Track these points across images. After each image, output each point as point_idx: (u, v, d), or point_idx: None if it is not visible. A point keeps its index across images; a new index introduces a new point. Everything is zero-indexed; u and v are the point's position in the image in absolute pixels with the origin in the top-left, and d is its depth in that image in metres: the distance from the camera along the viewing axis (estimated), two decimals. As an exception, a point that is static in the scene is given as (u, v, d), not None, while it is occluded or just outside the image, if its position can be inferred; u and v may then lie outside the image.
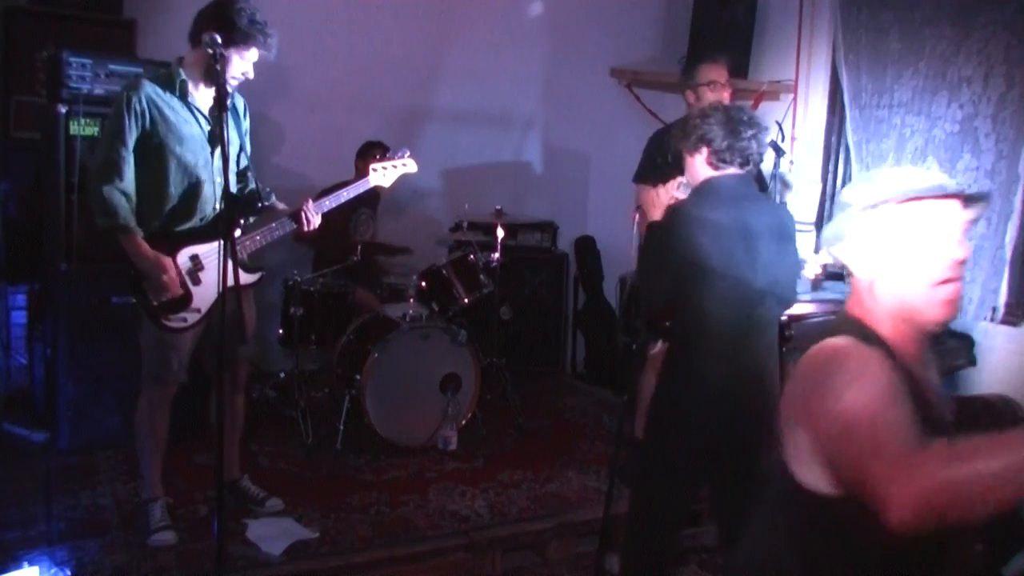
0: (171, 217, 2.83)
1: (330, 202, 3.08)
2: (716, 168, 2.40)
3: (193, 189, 2.83)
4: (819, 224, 4.43)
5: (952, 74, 3.68)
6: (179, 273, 2.80)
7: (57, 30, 3.86)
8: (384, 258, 4.82)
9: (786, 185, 4.31)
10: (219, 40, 2.50)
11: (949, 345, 3.48)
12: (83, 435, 3.61)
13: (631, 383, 2.69)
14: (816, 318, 3.38)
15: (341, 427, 3.82)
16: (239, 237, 2.89)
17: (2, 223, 3.75)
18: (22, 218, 3.85)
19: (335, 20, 4.85)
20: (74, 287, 3.53)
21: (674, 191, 3.19)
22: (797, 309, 3.27)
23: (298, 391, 4.00)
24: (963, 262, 1.39)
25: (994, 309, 3.55)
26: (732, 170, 2.39)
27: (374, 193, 4.32)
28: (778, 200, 3.96)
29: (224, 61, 2.60)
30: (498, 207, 4.45)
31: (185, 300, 2.82)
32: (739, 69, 4.63)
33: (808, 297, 3.53)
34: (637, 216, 3.70)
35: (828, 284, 3.81)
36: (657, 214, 3.07)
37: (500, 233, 4.33)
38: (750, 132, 2.37)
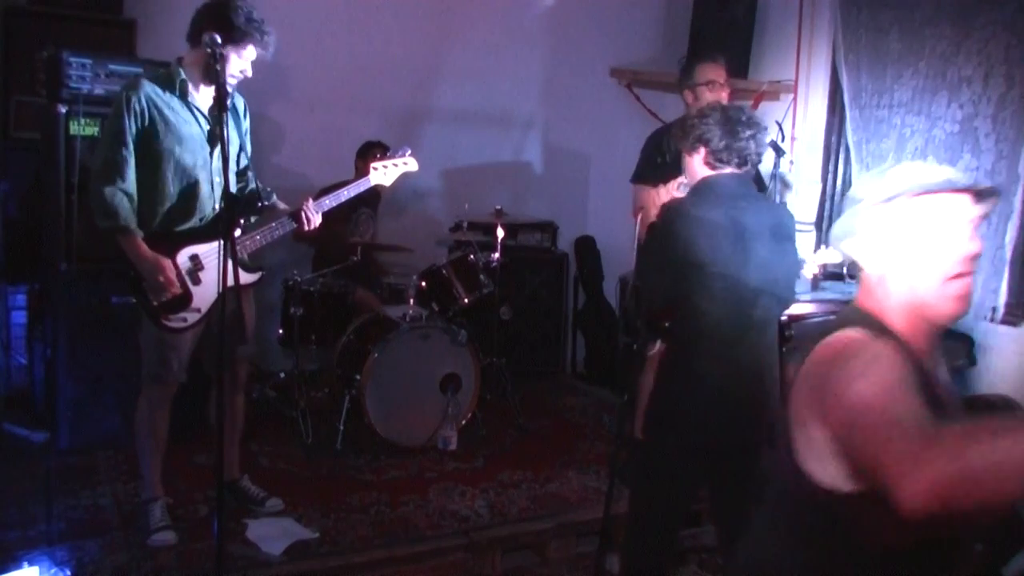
0: (170, 217, 2.83)
1: (330, 201, 3.08)
2: (713, 168, 2.40)
3: (191, 189, 2.83)
4: (819, 224, 4.43)
5: (952, 74, 3.68)
6: (179, 273, 2.80)
7: (57, 30, 3.86)
8: (384, 258, 4.82)
9: (786, 185, 4.31)
10: (219, 40, 2.50)
11: (949, 345, 3.48)
12: (83, 435, 3.61)
13: (631, 383, 2.68)
14: (816, 318, 3.38)
15: (341, 427, 3.82)
16: (239, 237, 2.89)
17: (2, 223, 3.75)
18: (22, 218, 3.85)
19: (335, 20, 4.86)
20: (74, 287, 3.53)
21: (674, 191, 3.19)
22: (797, 309, 3.27)
23: (298, 391, 4.00)
24: (975, 257, 1.39)
25: (994, 309, 3.56)
26: (729, 170, 2.39)
27: (375, 193, 4.32)
28: (778, 200, 3.95)
29: (223, 60, 2.60)
30: (498, 207, 4.45)
31: (185, 300, 2.82)
32: (739, 69, 4.63)
33: (808, 297, 3.54)
34: (640, 216, 3.70)
35: (827, 284, 3.81)
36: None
37: (500, 233, 4.33)
38: (748, 132, 2.37)
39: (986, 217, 1.45)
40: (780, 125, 4.15)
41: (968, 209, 1.40)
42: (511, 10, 5.31)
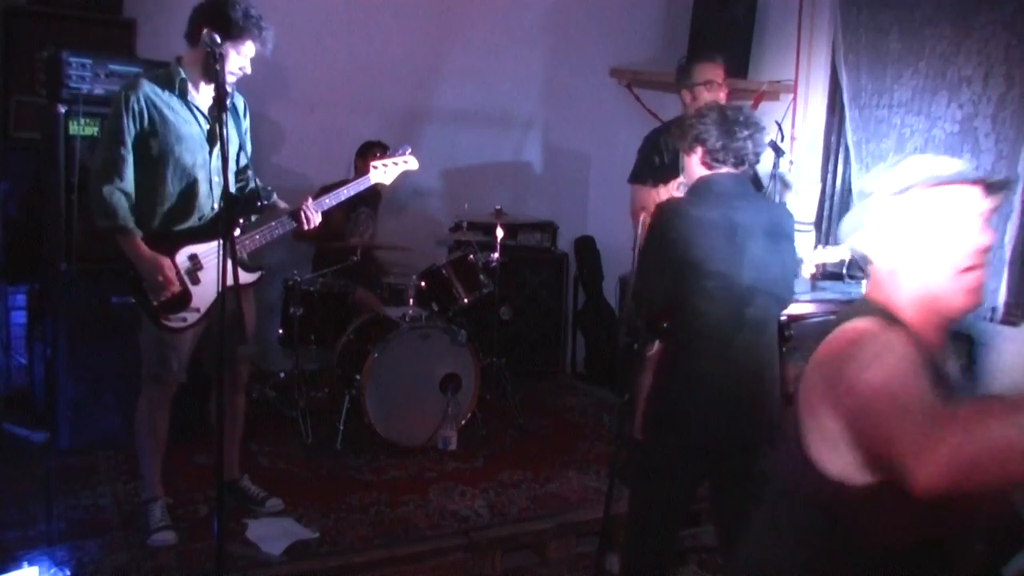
0: (169, 216, 2.83)
1: (330, 200, 3.07)
2: (710, 168, 2.41)
3: (190, 188, 2.83)
4: (819, 224, 4.43)
5: (952, 74, 3.68)
6: (178, 273, 2.80)
7: (57, 30, 3.87)
8: (384, 258, 4.82)
9: (786, 185, 4.31)
10: (218, 40, 2.50)
11: (948, 345, 3.48)
12: (83, 435, 3.61)
13: (631, 383, 2.68)
14: (816, 318, 3.38)
15: (341, 427, 3.82)
16: (238, 236, 2.89)
17: (2, 223, 3.76)
18: (22, 218, 3.85)
19: (335, 20, 4.86)
20: (74, 287, 3.53)
21: (674, 191, 3.19)
22: (797, 309, 3.27)
23: (298, 391, 4.00)
24: (987, 249, 1.39)
25: (993, 309, 3.55)
26: (726, 169, 2.40)
27: (375, 192, 4.33)
28: (778, 200, 3.95)
29: (222, 60, 2.60)
30: (498, 207, 4.45)
31: (184, 300, 2.82)
32: (739, 69, 4.63)
33: (808, 297, 3.54)
34: (642, 218, 3.70)
35: (827, 284, 3.81)
36: (656, 215, 3.07)
37: (500, 233, 4.33)
38: (745, 132, 2.37)
39: (997, 210, 1.44)
40: (780, 125, 4.14)
41: (979, 201, 1.40)
42: (511, 10, 5.31)
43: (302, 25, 4.57)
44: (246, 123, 3.07)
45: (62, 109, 3.42)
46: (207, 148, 2.86)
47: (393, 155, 3.33)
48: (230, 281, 2.20)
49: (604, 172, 5.50)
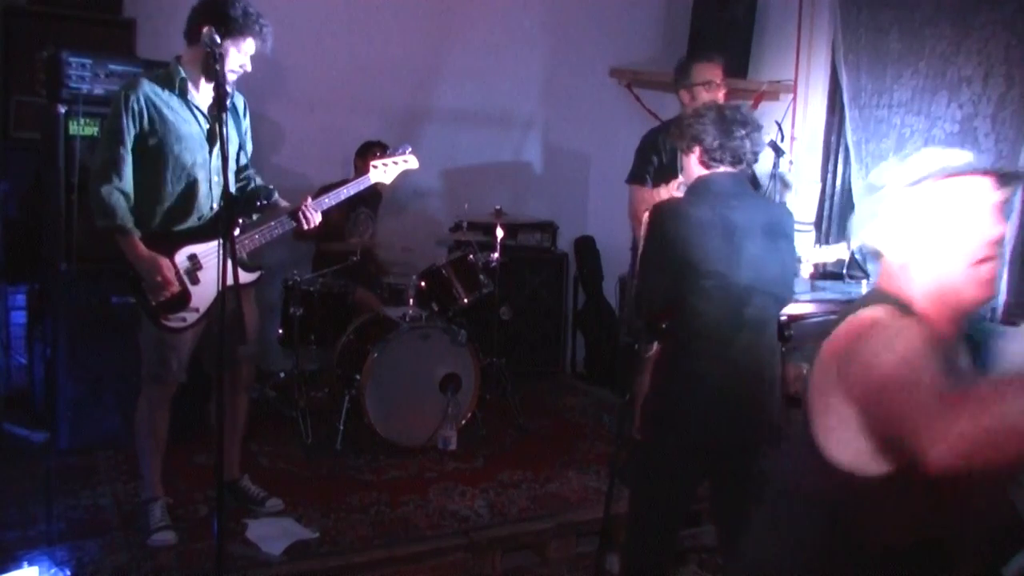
0: (169, 216, 2.83)
1: (330, 200, 3.07)
2: (708, 167, 2.41)
3: (189, 188, 2.83)
4: (819, 224, 4.43)
5: (952, 74, 3.68)
6: (177, 273, 2.80)
7: (57, 30, 3.86)
8: (384, 257, 4.82)
9: (786, 185, 4.31)
10: (217, 40, 2.50)
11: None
12: (83, 435, 3.61)
13: (631, 383, 2.68)
14: (815, 318, 3.38)
15: (341, 427, 3.82)
16: (238, 236, 2.88)
17: (2, 223, 3.76)
18: (22, 218, 3.85)
19: (335, 20, 4.85)
20: (74, 287, 3.53)
21: (674, 191, 3.19)
22: (797, 309, 3.27)
23: (298, 391, 4.00)
24: (1000, 241, 1.38)
25: (993, 309, 3.55)
26: (724, 169, 2.40)
27: (375, 192, 4.33)
28: (777, 200, 3.95)
29: (222, 59, 2.60)
30: (498, 207, 4.45)
31: (184, 300, 2.82)
32: (739, 69, 4.63)
33: (808, 297, 3.53)
34: (645, 217, 3.69)
35: (826, 284, 3.81)
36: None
37: (500, 233, 4.33)
38: (743, 131, 2.37)
39: (1008, 201, 1.44)
40: (780, 125, 4.15)
41: (992, 193, 1.40)
42: (511, 10, 5.31)
43: (302, 25, 4.57)
44: (246, 122, 3.07)
45: (62, 109, 3.43)
46: (207, 148, 2.86)
47: (393, 155, 3.33)
48: (230, 281, 2.20)
49: (604, 172, 5.50)
